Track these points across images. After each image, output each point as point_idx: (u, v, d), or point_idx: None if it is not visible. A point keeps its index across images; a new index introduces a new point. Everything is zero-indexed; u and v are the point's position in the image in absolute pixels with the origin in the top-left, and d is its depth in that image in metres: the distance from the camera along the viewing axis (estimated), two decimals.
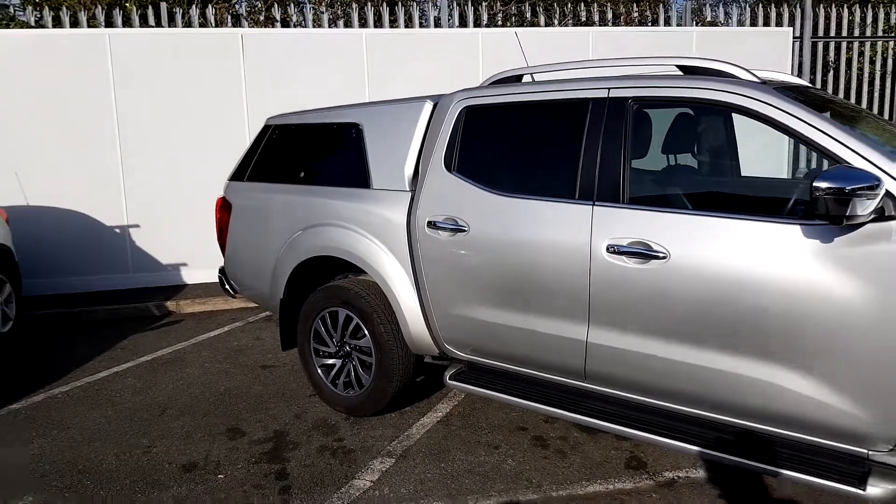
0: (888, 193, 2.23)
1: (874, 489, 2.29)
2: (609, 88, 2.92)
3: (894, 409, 2.25)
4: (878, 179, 2.17)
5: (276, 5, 7.74)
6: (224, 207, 4.38)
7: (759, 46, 8.20)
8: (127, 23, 7.17)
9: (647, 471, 3.20)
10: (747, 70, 2.72)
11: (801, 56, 8.50)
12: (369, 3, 8.41)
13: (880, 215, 2.23)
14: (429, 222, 3.34)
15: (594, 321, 2.86)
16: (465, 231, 3.21)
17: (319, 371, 3.94)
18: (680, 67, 2.91)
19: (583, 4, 8.10)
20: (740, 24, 8.41)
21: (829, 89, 8.85)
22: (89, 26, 7.09)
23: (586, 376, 2.97)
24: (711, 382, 2.60)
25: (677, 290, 2.61)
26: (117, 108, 6.78)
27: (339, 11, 8.27)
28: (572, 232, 2.87)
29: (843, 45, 8.79)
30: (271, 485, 3.19)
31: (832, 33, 8.72)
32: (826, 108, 2.78)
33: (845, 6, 8.87)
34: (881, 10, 8.80)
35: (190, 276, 7.06)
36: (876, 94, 8.94)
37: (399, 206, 3.49)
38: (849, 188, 2.17)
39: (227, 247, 4.38)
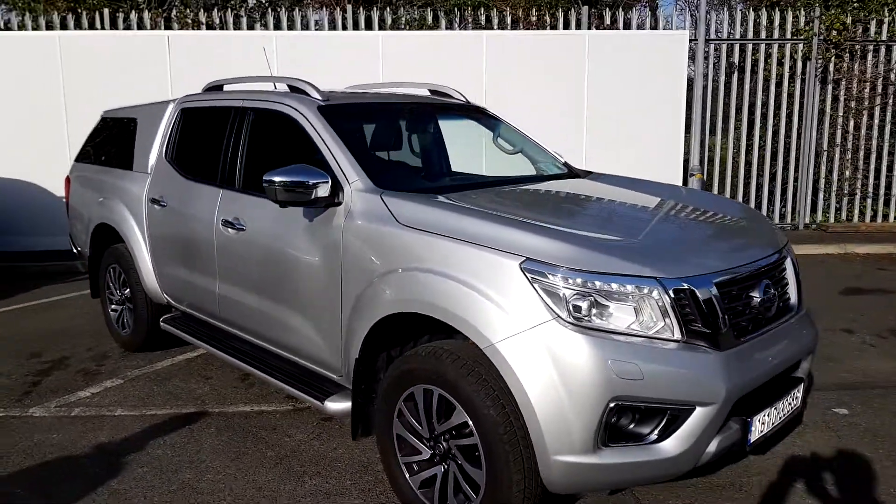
0: (335, 185, 3.00)
1: (331, 404, 3.09)
2: (243, 100, 3.78)
3: (342, 344, 3.04)
4: (326, 176, 2.97)
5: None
6: (67, 182, 5.50)
7: (654, 49, 8.64)
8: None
9: (291, 400, 4.07)
10: (314, 87, 3.51)
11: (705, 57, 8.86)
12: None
13: (332, 201, 3.02)
14: (151, 199, 4.31)
15: (220, 277, 3.76)
16: (165, 206, 4.17)
17: (110, 313, 5.00)
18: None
19: (483, 9, 8.77)
20: (640, 27, 8.81)
21: (733, 90, 9.14)
22: (47, 29, 8.41)
23: (220, 319, 3.88)
24: (266, 322, 3.47)
25: (250, 253, 3.48)
26: (65, 95, 8.07)
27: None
28: (209, 208, 3.77)
29: (749, 46, 9.04)
30: (20, 388, 4.28)
31: (738, 35, 9.00)
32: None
33: (751, 9, 9.07)
34: (789, 12, 8.98)
35: None
36: (784, 95, 9.14)
37: (143, 185, 4.46)
38: (311, 181, 2.97)
39: (69, 213, 5.50)
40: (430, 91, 4.43)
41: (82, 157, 5.40)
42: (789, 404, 2.63)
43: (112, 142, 5.05)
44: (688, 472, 2.35)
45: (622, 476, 2.30)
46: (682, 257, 2.42)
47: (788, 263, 2.85)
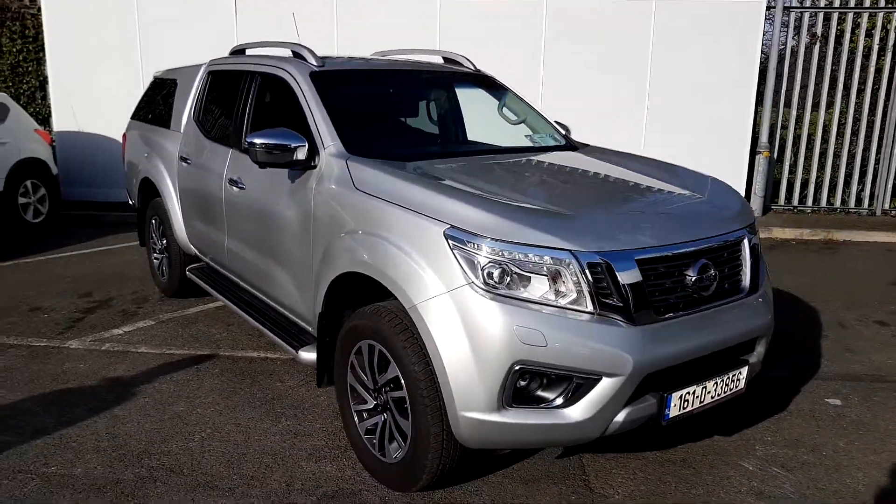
0: (312, 149, 3.16)
1: (303, 353, 3.30)
2: (254, 65, 3.99)
3: (311, 296, 3.24)
4: (303, 140, 3.14)
5: None
6: (124, 139, 5.98)
7: (727, 17, 8.23)
8: None
9: None
10: (312, 53, 3.66)
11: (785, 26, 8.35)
12: None
13: (309, 165, 3.19)
14: (181, 156, 4.65)
15: (227, 232, 4.05)
16: (190, 164, 4.49)
17: (153, 261, 5.46)
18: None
19: None
20: None
21: (813, 63, 8.56)
22: None
23: (229, 270, 4.18)
24: (259, 275, 3.72)
25: (248, 210, 3.73)
26: (142, 56, 8.69)
27: None
28: (221, 167, 4.05)
29: (835, 15, 8.41)
30: (65, 322, 4.79)
31: (822, 3, 8.38)
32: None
33: None
34: None
35: None
36: (871, 69, 8.47)
37: (176, 143, 4.81)
38: (291, 145, 3.16)
39: (125, 167, 5.99)
40: (444, 59, 4.50)
41: (136, 114, 5.84)
42: (726, 385, 2.60)
43: (158, 101, 5.44)
44: (597, 438, 2.39)
45: (527, 436, 2.38)
46: (606, 232, 2.42)
47: (745, 244, 2.77)
